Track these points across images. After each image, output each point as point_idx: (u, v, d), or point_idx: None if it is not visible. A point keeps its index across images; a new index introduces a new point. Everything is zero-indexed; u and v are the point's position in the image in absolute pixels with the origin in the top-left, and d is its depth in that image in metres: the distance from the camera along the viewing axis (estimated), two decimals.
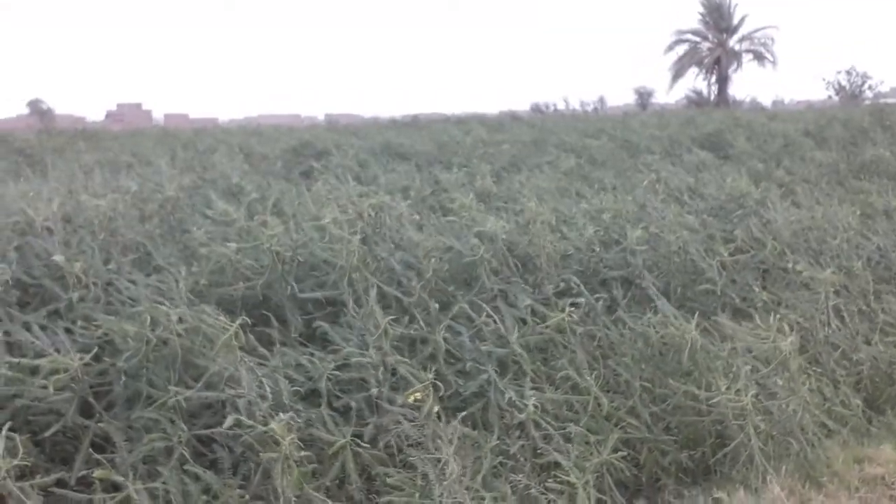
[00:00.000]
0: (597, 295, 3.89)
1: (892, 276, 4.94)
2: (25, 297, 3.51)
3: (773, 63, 41.02)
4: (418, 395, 3.34)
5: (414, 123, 19.73)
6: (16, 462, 2.86)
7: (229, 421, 3.11)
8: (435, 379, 3.36)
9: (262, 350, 3.39)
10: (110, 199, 4.25)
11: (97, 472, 3.04)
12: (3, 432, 2.84)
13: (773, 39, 41.33)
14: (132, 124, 28.52)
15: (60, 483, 3.04)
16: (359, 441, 3.25)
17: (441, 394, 3.41)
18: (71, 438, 3.23)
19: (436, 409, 3.31)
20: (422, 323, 3.44)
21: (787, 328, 3.74)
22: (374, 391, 3.35)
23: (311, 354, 3.36)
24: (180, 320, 3.24)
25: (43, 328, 3.21)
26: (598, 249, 4.22)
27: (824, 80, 45.34)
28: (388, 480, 3.22)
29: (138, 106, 46.81)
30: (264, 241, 3.54)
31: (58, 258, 3.40)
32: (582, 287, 3.85)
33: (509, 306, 3.58)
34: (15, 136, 15.40)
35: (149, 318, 3.17)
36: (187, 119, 37.44)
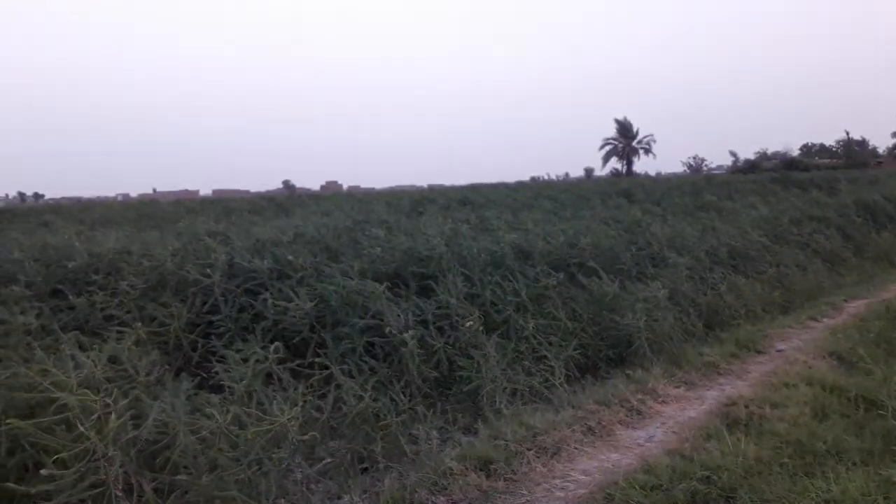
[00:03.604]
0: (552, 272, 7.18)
1: (718, 259, 8.50)
2: (278, 275, 6.53)
3: (653, 154, 78.54)
4: (471, 322, 6.47)
5: (473, 188, 32.10)
6: (277, 356, 5.83)
7: (386, 331, 6.16)
8: (483, 314, 6.53)
9: (395, 300, 6.49)
10: (316, 227, 7.28)
11: (318, 360, 6.07)
12: (272, 348, 5.79)
13: (654, 140, 78.10)
14: (332, 191, 53.87)
15: (300, 365, 6.02)
16: (448, 344, 6.32)
17: (484, 323, 6.56)
18: (303, 343, 6.21)
19: (481, 328, 6.41)
20: (479, 286, 6.62)
21: (660, 287, 7.09)
22: (455, 319, 6.49)
23: (424, 300, 6.49)
24: (354, 285, 6.33)
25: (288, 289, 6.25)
26: (565, 248, 7.54)
27: (681, 161, 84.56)
28: (460, 363, 6.29)
29: (335, 182, 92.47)
30: (396, 246, 6.66)
31: (290, 257, 6.45)
32: (556, 268, 7.14)
33: (522, 276, 6.83)
34: (276, 199, 28.22)
35: (343, 283, 6.24)
36: (359, 188, 69.99)
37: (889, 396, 4.82)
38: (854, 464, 4.02)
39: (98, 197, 71.90)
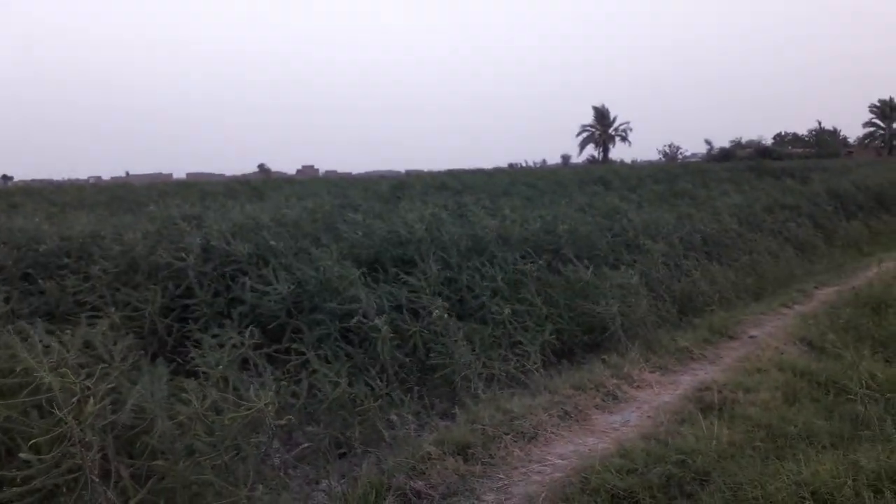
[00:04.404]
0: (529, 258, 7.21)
1: (692, 246, 8.61)
2: (257, 260, 6.47)
3: (629, 141, 79.20)
4: (437, 311, 6.43)
5: (451, 174, 31.38)
6: (253, 341, 5.79)
7: (355, 319, 6.15)
8: (459, 300, 6.53)
9: (372, 285, 6.47)
10: (296, 211, 7.22)
11: (293, 345, 6.04)
12: (248, 333, 5.76)
13: (630, 129, 78.59)
14: (309, 175, 56.69)
15: (276, 351, 5.99)
16: (424, 329, 6.31)
17: (461, 308, 6.57)
18: (279, 328, 6.18)
19: (445, 316, 6.36)
20: (456, 270, 6.62)
21: (634, 273, 7.14)
22: (427, 304, 6.48)
23: (399, 286, 6.47)
24: (334, 270, 6.29)
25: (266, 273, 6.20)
26: (542, 235, 7.56)
27: (657, 149, 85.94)
28: (436, 349, 6.29)
29: (311, 166, 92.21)
30: (376, 231, 6.63)
31: (272, 243, 6.39)
32: (533, 254, 7.16)
33: (503, 261, 6.84)
34: (251, 183, 28.28)
35: (322, 267, 6.20)
36: (336, 173, 66.14)
37: (857, 381, 4.92)
38: (824, 447, 4.11)
39: (69, 179, 70.43)
